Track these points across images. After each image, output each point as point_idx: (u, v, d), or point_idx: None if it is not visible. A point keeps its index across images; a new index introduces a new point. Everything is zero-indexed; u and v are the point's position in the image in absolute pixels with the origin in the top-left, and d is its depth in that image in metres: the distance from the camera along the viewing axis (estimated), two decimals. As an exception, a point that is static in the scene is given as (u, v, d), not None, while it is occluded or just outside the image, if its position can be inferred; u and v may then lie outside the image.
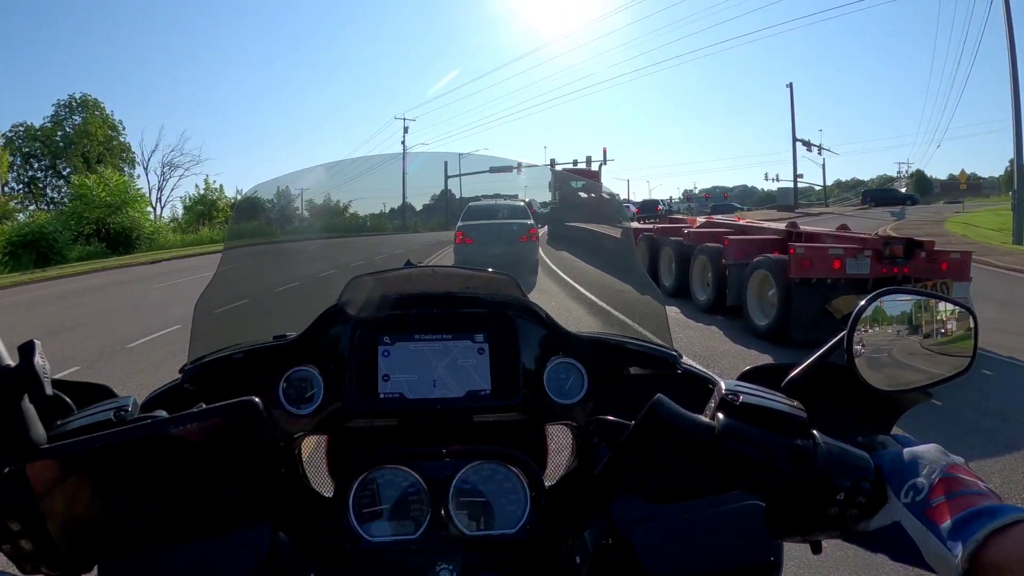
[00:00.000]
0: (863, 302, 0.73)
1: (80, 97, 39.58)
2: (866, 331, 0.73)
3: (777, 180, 73.60)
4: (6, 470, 0.51)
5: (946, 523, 0.53)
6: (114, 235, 30.30)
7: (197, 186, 45.30)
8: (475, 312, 0.95)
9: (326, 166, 1.67)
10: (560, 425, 1.00)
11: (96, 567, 0.63)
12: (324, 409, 0.90)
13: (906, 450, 0.61)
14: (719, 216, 12.03)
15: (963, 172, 43.74)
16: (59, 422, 0.60)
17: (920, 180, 69.20)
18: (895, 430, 0.73)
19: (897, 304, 0.76)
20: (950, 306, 0.77)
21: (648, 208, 40.64)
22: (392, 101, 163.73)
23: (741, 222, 11.36)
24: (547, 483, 0.93)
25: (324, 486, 1.00)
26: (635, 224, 14.59)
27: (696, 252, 9.19)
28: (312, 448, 1.03)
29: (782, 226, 9.61)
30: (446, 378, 0.91)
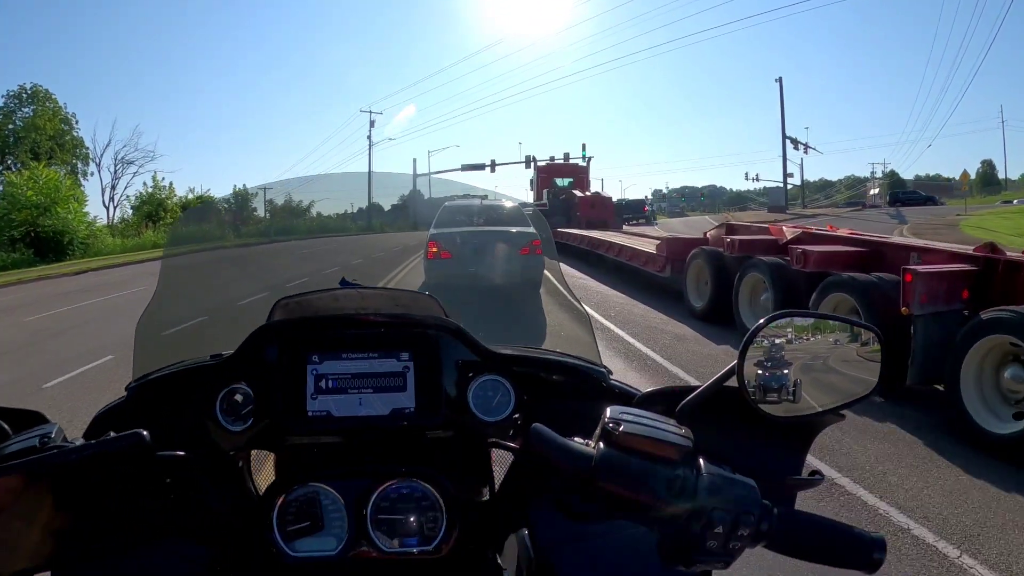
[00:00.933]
0: (755, 326, 0.74)
1: (31, 88, 38.86)
2: (764, 358, 0.73)
3: (757, 179, 75.58)
4: None
5: None
6: (44, 240, 27.66)
7: (145, 184, 42.96)
8: (400, 331, 1.00)
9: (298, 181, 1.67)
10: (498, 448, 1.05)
11: None
12: (256, 425, 0.94)
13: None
14: (788, 223, 9.52)
15: (965, 173, 44.32)
16: None
17: (894, 182, 70.67)
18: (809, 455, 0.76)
19: (796, 326, 0.77)
20: (852, 328, 0.79)
21: (634, 208, 37.48)
22: (358, 95, 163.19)
23: (847, 234, 7.17)
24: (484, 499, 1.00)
25: None
26: (674, 234, 12.91)
27: (828, 287, 5.77)
28: (259, 463, 1.12)
29: (902, 238, 7.38)
30: (371, 397, 0.96)
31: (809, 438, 0.81)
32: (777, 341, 0.75)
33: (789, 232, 7.40)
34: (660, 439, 0.63)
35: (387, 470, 0.89)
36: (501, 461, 1.07)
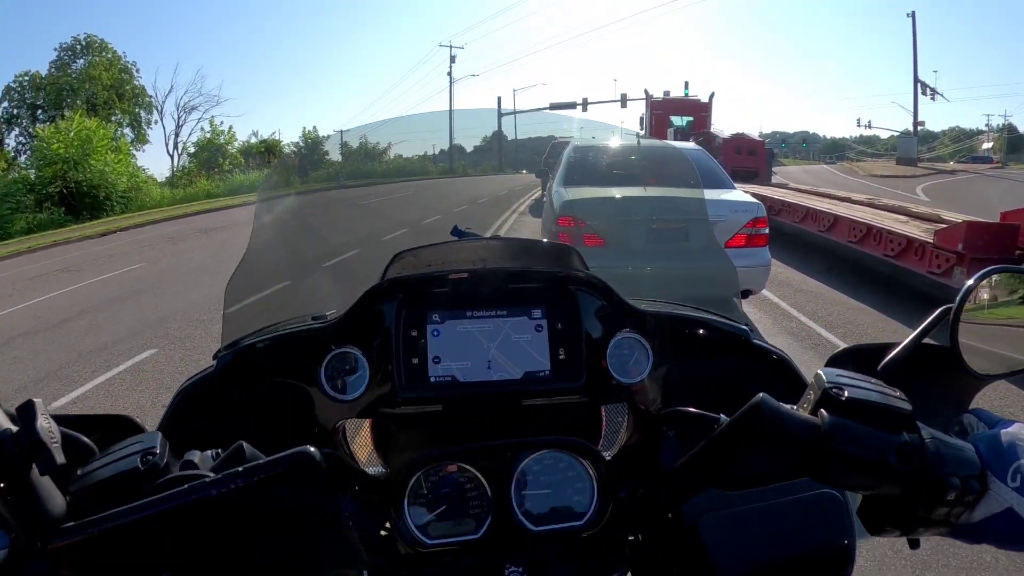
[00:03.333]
0: (971, 281, 0.77)
1: (85, 38, 40.93)
2: (972, 311, 0.77)
3: (870, 127, 72.75)
4: (27, 556, 0.52)
5: None
6: (77, 196, 26.31)
7: (203, 129, 43.97)
8: (531, 286, 0.99)
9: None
10: (617, 404, 1.04)
11: None
12: (370, 394, 0.93)
13: (1002, 432, 0.65)
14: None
15: None
16: (79, 472, 0.62)
17: (1012, 137, 65.99)
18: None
19: (1009, 282, 0.80)
20: None
21: (771, 156, 31.91)
22: (436, 27, 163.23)
23: None
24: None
25: (372, 467, 1.03)
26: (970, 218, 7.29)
27: None
28: (354, 429, 1.07)
29: None
30: (501, 358, 0.95)
31: (970, 395, 0.84)
32: (986, 297, 0.78)
33: None
34: (884, 404, 0.64)
35: (531, 442, 0.87)
36: (611, 425, 1.07)
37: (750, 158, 20.55)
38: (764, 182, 17.62)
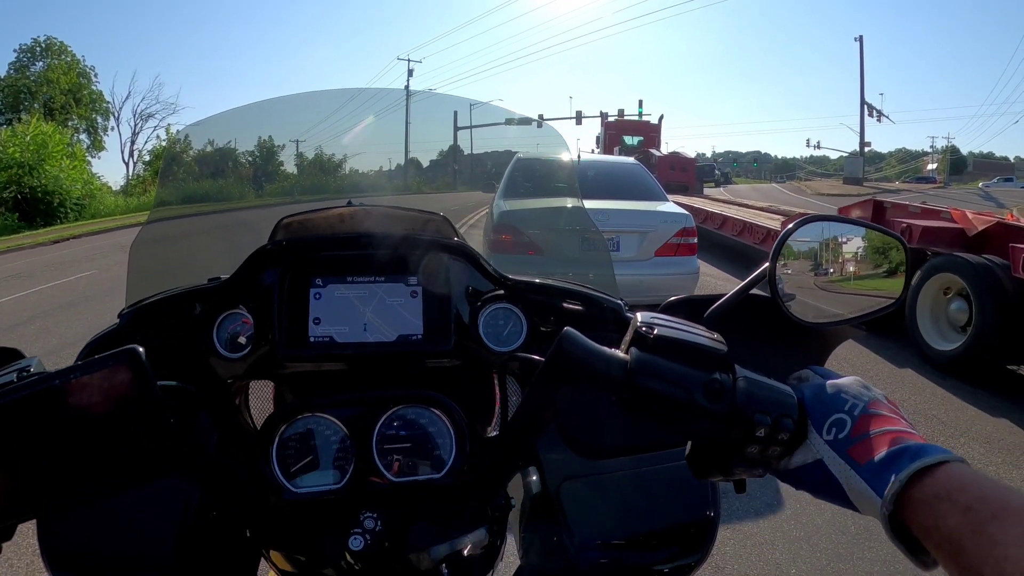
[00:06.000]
0: (786, 229, 0.79)
1: (45, 40, 39.88)
2: (791, 261, 0.79)
3: (819, 147, 75.16)
4: None
5: (870, 461, 0.58)
6: (31, 202, 25.76)
7: (159, 137, 42.88)
8: (410, 254, 1.02)
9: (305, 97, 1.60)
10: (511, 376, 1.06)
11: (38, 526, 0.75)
12: (255, 353, 0.96)
13: (828, 383, 0.65)
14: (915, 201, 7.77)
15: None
16: None
17: (955, 159, 68.86)
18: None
19: (825, 231, 0.81)
20: (881, 236, 0.83)
21: (705, 172, 35.75)
22: (394, 42, 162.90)
23: None
24: (491, 434, 1.04)
25: None
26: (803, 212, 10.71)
27: None
28: (263, 394, 1.14)
29: None
30: (377, 322, 0.98)
31: (824, 354, 0.87)
32: (806, 247, 0.80)
33: (978, 221, 6.01)
34: (695, 342, 0.65)
35: (391, 395, 0.90)
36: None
37: (682, 174, 23.68)
38: (694, 194, 19.82)
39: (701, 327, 0.69)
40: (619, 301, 1.06)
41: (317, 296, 0.98)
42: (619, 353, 0.65)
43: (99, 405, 0.67)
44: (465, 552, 0.85)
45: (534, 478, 0.95)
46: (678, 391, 0.62)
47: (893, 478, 0.55)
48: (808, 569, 2.93)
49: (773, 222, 10.19)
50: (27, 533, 0.75)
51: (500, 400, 1.02)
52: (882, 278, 0.83)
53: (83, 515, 0.78)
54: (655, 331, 0.65)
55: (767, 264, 0.77)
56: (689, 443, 0.70)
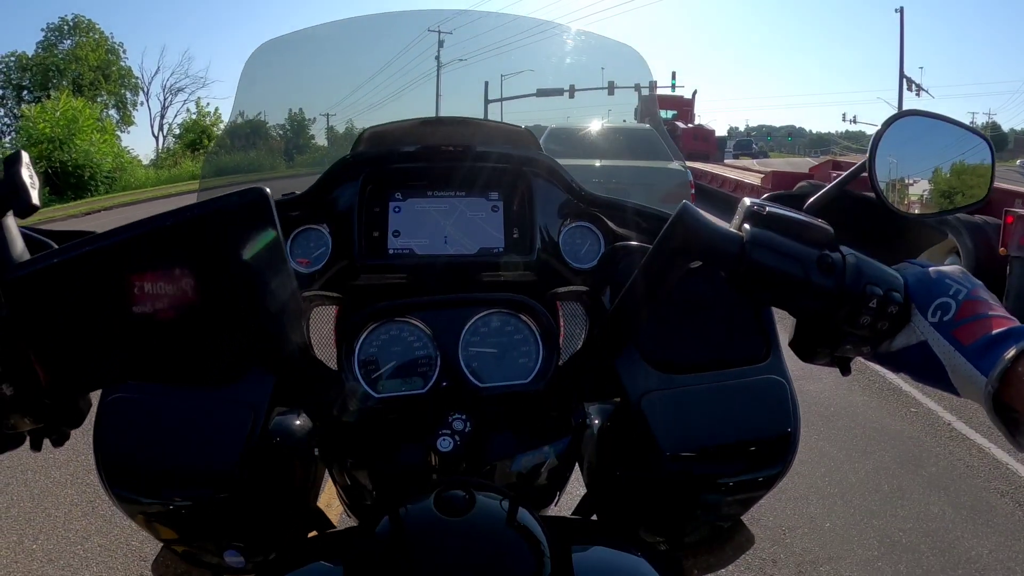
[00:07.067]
0: (884, 122, 0.80)
1: (72, 19, 40.00)
2: (887, 157, 0.80)
3: (855, 122, 73.37)
4: None
5: (975, 342, 0.58)
6: (61, 176, 25.05)
7: (189, 110, 42.38)
8: (491, 168, 1.00)
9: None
10: (572, 302, 1.04)
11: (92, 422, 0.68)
12: (332, 266, 0.96)
13: (931, 268, 0.66)
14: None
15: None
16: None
17: (996, 137, 67.02)
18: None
19: (917, 127, 0.82)
20: (968, 134, 0.84)
21: (743, 146, 39.42)
22: (425, 12, 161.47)
23: None
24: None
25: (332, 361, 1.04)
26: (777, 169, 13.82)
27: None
28: (322, 323, 1.09)
29: None
30: (457, 235, 0.98)
31: (915, 254, 0.86)
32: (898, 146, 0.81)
33: None
34: (805, 220, 0.65)
35: (480, 297, 0.88)
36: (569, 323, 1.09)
37: (704, 143, 26.46)
38: (716, 162, 21.57)
39: (805, 213, 0.69)
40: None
41: (397, 210, 0.97)
42: (732, 230, 0.65)
43: (216, 251, 0.51)
44: (543, 468, 0.85)
45: (604, 406, 0.95)
46: (792, 265, 0.63)
47: (1001, 357, 0.55)
48: (842, 524, 2.97)
49: (752, 178, 12.62)
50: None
51: (589, 326, 1.01)
52: (968, 174, 0.84)
53: (143, 420, 0.74)
54: (767, 209, 0.65)
55: (865, 159, 0.78)
56: (794, 324, 0.70)
